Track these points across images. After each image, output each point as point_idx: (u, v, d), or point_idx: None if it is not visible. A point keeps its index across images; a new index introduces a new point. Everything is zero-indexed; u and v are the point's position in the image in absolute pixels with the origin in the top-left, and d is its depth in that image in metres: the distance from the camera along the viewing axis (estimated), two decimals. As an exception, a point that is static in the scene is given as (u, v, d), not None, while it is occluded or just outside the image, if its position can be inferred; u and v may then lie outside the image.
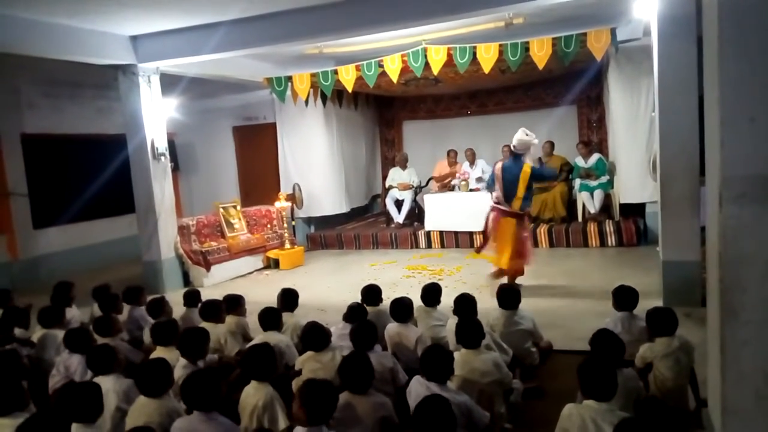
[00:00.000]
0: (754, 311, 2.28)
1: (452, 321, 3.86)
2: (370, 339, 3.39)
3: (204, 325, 3.99)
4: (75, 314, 5.01)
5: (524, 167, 5.71)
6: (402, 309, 3.89)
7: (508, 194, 5.76)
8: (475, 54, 6.38)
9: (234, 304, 4.43)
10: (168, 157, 7.32)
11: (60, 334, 4.02)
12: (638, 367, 3.17)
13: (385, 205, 9.81)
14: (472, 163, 9.27)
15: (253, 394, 2.85)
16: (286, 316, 4.13)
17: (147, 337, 4.24)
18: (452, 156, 9.41)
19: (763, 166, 2.24)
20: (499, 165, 5.96)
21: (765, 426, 2.30)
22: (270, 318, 3.91)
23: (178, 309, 4.78)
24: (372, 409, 2.71)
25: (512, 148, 5.85)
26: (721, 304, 2.33)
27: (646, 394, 2.94)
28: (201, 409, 2.55)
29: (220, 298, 4.47)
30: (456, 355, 3.19)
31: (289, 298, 4.39)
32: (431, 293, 4.26)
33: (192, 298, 4.75)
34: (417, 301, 4.32)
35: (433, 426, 2.28)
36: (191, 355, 3.35)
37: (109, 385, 3.06)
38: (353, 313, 3.99)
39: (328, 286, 6.89)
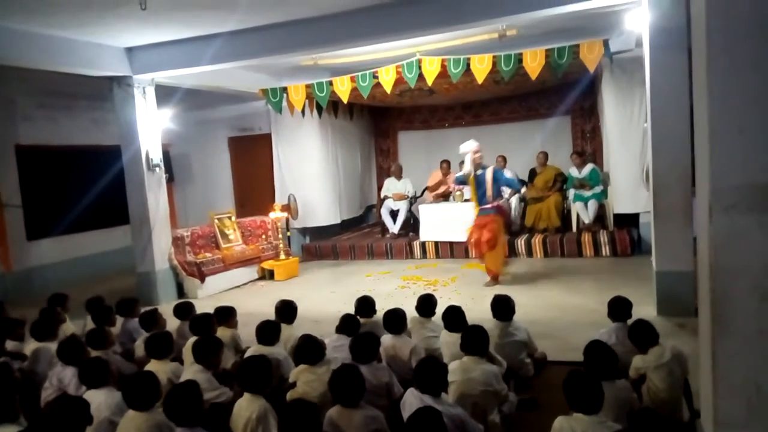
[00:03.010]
0: (745, 322, 2.28)
1: (445, 333, 3.86)
2: (372, 351, 3.37)
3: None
4: (67, 325, 4.98)
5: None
6: (395, 320, 3.88)
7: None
8: (468, 65, 6.42)
9: (225, 315, 4.40)
10: (163, 168, 7.32)
11: (53, 347, 3.99)
12: (632, 378, 3.17)
13: (380, 216, 9.81)
14: (466, 174, 9.28)
15: (246, 407, 2.83)
16: (282, 328, 4.12)
17: (140, 349, 4.22)
18: (444, 167, 9.44)
19: (753, 176, 2.25)
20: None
21: (757, 437, 2.30)
22: (267, 332, 3.87)
23: (171, 320, 4.76)
24: (364, 423, 2.69)
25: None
26: (712, 314, 2.33)
27: (639, 406, 2.94)
28: (184, 424, 2.53)
29: (212, 310, 4.45)
30: (457, 362, 3.20)
31: (287, 311, 4.37)
32: (427, 304, 4.26)
33: (183, 311, 4.72)
34: (412, 312, 4.32)
35: None
36: (207, 364, 3.38)
37: (101, 398, 3.04)
38: (346, 325, 3.97)
39: (323, 297, 6.87)
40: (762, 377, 2.26)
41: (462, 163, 9.24)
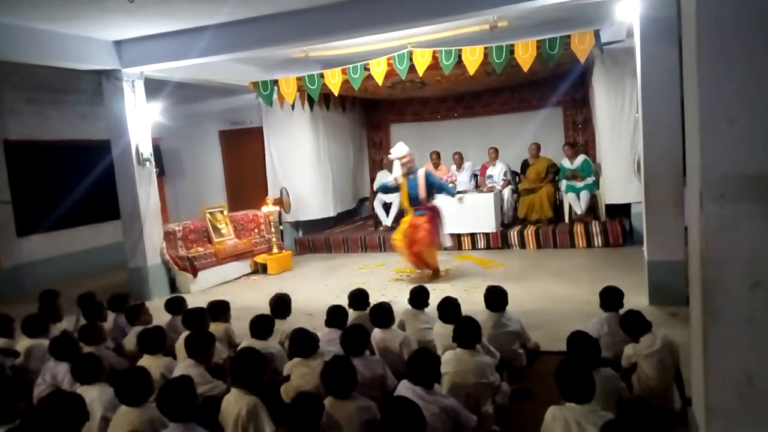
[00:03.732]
0: (736, 311, 2.30)
1: (439, 324, 3.87)
2: (362, 342, 3.38)
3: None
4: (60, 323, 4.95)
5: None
6: (382, 314, 3.89)
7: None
8: (460, 56, 6.40)
9: (219, 311, 4.39)
10: (153, 162, 7.26)
11: (46, 343, 3.97)
12: (624, 367, 3.19)
13: (373, 208, 9.80)
14: (459, 166, 9.31)
15: (235, 403, 2.81)
16: (277, 323, 4.11)
17: (130, 344, 4.20)
18: (434, 157, 9.45)
19: (743, 166, 2.26)
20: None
21: (748, 425, 2.32)
22: (261, 326, 3.88)
23: (163, 315, 4.74)
24: (356, 414, 2.70)
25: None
26: (703, 303, 2.35)
27: (629, 395, 2.96)
28: (178, 419, 2.53)
29: (205, 304, 4.44)
30: (450, 353, 3.20)
31: (281, 306, 4.36)
32: (419, 296, 4.27)
33: (175, 305, 4.71)
34: (406, 304, 4.33)
35: (401, 428, 2.30)
36: (199, 359, 3.38)
37: (94, 394, 3.03)
38: (334, 317, 3.97)
39: (316, 290, 6.88)
40: (753, 365, 2.28)
41: (452, 155, 9.36)
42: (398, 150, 6.77)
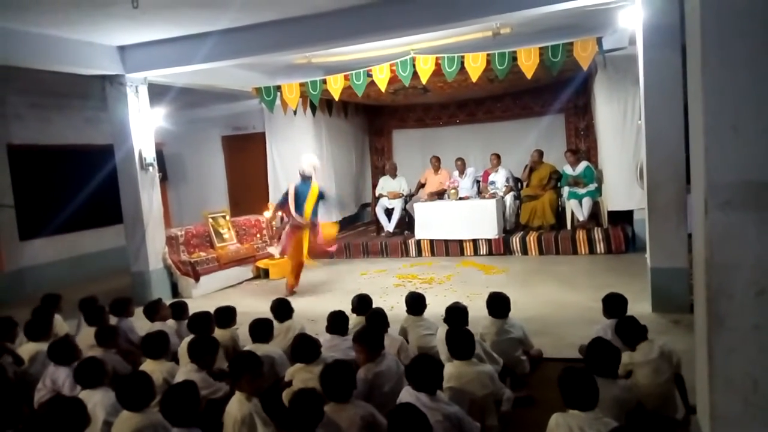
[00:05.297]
0: (741, 317, 2.29)
1: (442, 330, 3.86)
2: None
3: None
4: (60, 325, 4.95)
5: (312, 186, 6.84)
6: (379, 320, 3.89)
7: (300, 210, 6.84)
8: (463, 63, 6.43)
9: (225, 317, 4.36)
10: (156, 167, 7.28)
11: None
12: (620, 375, 3.16)
13: (375, 214, 9.80)
14: (461, 172, 9.31)
15: (237, 407, 2.82)
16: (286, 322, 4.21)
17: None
18: (434, 162, 9.46)
19: (747, 173, 2.25)
20: (293, 185, 6.95)
21: (753, 432, 2.31)
22: (260, 330, 3.89)
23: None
24: (356, 417, 2.69)
25: (301, 173, 6.90)
26: (707, 310, 2.34)
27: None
28: (181, 424, 2.53)
29: (209, 308, 4.44)
30: (449, 366, 3.18)
31: (283, 308, 4.38)
32: (415, 302, 4.26)
33: (177, 310, 4.71)
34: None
35: None
36: (202, 364, 3.39)
37: (97, 398, 3.02)
38: (335, 323, 3.97)
39: (319, 295, 6.87)
40: (758, 372, 2.27)
41: (455, 161, 9.37)
42: (304, 159, 7.03)
